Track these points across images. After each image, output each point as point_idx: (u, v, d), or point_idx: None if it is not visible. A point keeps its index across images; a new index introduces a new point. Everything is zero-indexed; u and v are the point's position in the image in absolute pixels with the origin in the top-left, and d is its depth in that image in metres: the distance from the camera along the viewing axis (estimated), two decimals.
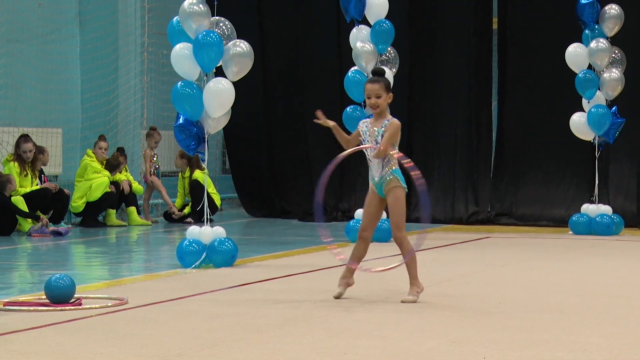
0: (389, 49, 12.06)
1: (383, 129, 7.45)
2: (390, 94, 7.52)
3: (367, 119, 7.61)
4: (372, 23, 11.94)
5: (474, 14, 14.91)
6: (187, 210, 15.00)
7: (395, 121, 7.48)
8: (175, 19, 9.66)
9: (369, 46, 11.86)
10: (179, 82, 9.54)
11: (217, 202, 14.96)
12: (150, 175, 15.11)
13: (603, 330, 6.31)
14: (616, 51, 12.86)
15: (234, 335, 6.09)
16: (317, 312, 6.95)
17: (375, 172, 7.51)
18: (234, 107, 9.67)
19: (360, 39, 11.93)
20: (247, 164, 16.25)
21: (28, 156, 13.31)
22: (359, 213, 12.00)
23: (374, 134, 7.48)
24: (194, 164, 14.90)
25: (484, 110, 14.86)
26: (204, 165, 9.75)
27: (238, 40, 9.66)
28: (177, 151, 15.27)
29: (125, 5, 15.78)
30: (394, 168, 7.46)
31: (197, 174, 14.83)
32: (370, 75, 7.65)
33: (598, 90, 12.78)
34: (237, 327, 6.38)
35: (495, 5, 14.88)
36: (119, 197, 14.41)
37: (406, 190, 7.52)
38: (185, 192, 15.14)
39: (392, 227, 7.50)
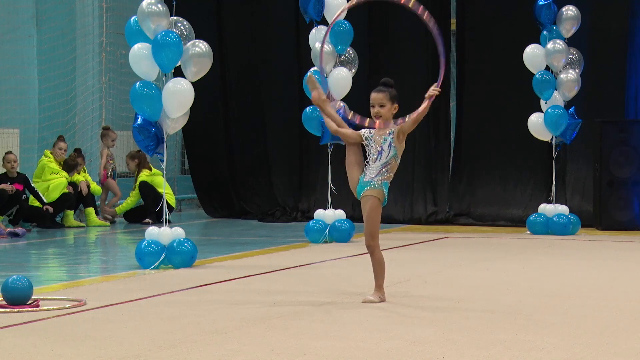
0: (348, 49, 12.09)
1: (391, 136, 7.31)
2: (396, 105, 7.37)
3: (367, 129, 7.43)
4: None
5: (431, 15, 14.93)
6: (119, 209, 14.92)
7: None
8: (132, 18, 9.61)
9: (327, 47, 11.87)
10: (138, 83, 9.49)
11: (172, 202, 14.91)
12: (108, 177, 15.02)
13: (560, 329, 6.36)
14: (573, 52, 12.96)
15: (193, 337, 6.07)
16: (276, 313, 6.94)
17: (368, 174, 7.39)
18: (193, 108, 9.64)
19: (319, 40, 11.94)
20: (207, 165, 16.21)
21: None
22: (318, 213, 12.02)
23: (380, 141, 7.33)
24: (141, 165, 14.83)
25: (442, 110, 14.93)
26: (163, 165, 9.70)
27: (197, 40, 9.64)
28: None
29: (83, 5, 15.67)
30: (386, 181, 7.36)
31: (142, 175, 14.76)
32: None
33: (555, 91, 12.88)
34: (196, 328, 6.36)
35: (454, 6, 14.95)
36: (77, 198, 14.32)
37: (383, 205, 7.41)
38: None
39: (365, 235, 7.41)
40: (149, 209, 14.64)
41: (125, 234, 13.71)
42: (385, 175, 7.36)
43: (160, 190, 13.71)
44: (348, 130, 7.47)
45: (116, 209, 15.05)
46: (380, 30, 15.15)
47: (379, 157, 7.35)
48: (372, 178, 7.36)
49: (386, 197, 7.38)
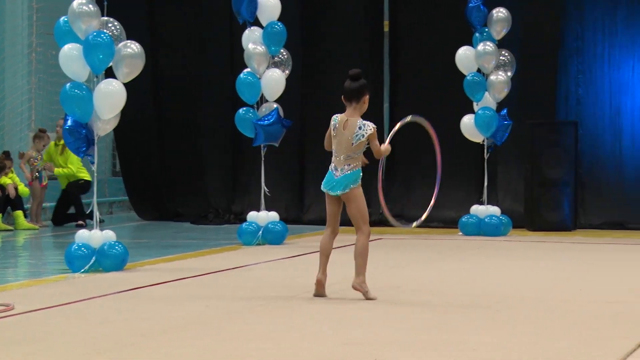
0: (282, 50, 12.07)
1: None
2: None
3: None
4: (264, 25, 11.93)
5: (365, 17, 15.02)
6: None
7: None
8: (62, 19, 9.49)
9: (261, 48, 11.85)
10: (68, 84, 9.38)
11: (87, 177, 14.69)
12: (33, 179, 14.79)
13: (493, 330, 6.42)
14: (505, 54, 13.08)
15: (125, 341, 6.01)
16: (209, 316, 6.91)
17: (337, 167, 7.74)
18: (124, 109, 9.56)
19: (252, 41, 11.92)
20: (138, 166, 16.08)
21: None
22: (251, 215, 11.98)
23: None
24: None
25: (374, 112, 14.95)
26: (93, 167, 9.58)
27: (129, 41, 9.56)
28: None
29: (13, 5, 15.45)
30: (357, 168, 7.72)
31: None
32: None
33: (486, 93, 13.00)
34: (127, 332, 6.30)
35: (387, 8, 15.01)
36: (4, 201, 14.10)
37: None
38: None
39: (358, 221, 7.71)
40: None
41: (55, 237, 13.54)
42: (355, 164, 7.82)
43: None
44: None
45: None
46: (315, 31, 15.15)
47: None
48: (344, 172, 7.79)
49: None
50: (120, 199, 17.25)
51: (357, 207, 7.77)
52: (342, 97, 7.86)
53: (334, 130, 7.83)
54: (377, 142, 7.82)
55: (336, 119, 7.85)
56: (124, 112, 9.66)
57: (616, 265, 10.11)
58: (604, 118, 14.10)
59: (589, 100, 14.15)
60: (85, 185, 14.85)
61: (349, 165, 7.74)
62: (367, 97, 7.86)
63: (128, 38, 9.64)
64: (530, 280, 8.99)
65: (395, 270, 9.68)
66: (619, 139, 14.00)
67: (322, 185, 7.86)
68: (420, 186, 14.67)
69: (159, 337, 6.14)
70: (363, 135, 7.72)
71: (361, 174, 7.83)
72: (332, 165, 7.84)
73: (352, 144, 7.73)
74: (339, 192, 7.76)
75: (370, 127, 7.74)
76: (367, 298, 7.58)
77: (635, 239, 12.69)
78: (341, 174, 7.75)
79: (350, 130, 7.74)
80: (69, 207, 15.02)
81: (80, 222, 14.40)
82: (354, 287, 7.64)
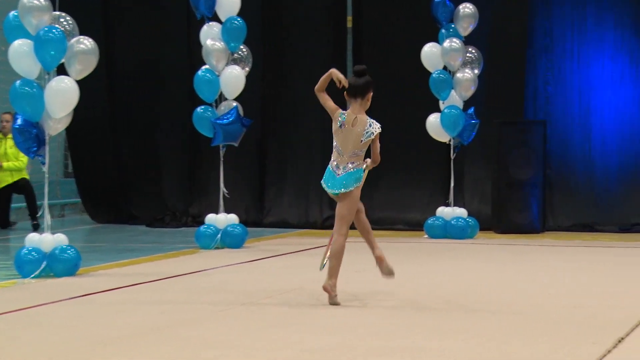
0: (242, 47, 12.10)
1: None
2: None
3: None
4: (223, 20, 11.96)
5: (328, 12, 15.07)
6: None
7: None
8: (11, 13, 9.48)
9: (219, 44, 11.88)
10: (18, 81, 9.37)
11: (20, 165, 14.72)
12: None
13: (459, 335, 6.49)
14: (472, 51, 13.16)
15: (77, 349, 6.04)
16: (165, 322, 6.94)
17: (340, 166, 7.82)
18: (77, 107, 9.55)
19: (210, 37, 11.95)
20: (92, 167, 16.03)
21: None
22: (210, 218, 12.00)
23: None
24: None
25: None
26: (45, 168, 9.57)
27: (82, 36, 9.56)
28: None
29: None
30: (359, 167, 7.84)
31: None
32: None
33: (453, 91, 13.08)
34: (80, 340, 6.32)
35: (350, 3, 15.07)
36: None
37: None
38: None
39: (342, 222, 7.83)
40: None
41: (3, 241, 13.48)
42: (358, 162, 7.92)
43: None
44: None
45: None
46: (276, 27, 15.18)
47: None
48: (347, 170, 7.89)
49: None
50: (73, 201, 17.20)
51: (348, 209, 7.88)
52: (345, 93, 7.92)
53: (340, 126, 7.86)
54: (379, 145, 7.91)
55: (343, 115, 7.87)
56: (77, 111, 9.66)
57: (585, 268, 10.24)
58: (573, 117, 14.24)
59: (557, 99, 14.30)
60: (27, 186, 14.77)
61: (353, 163, 7.85)
62: (371, 95, 7.92)
63: (81, 33, 9.65)
64: (497, 284, 9.09)
65: (359, 275, 9.74)
66: (589, 139, 14.16)
67: (322, 181, 7.96)
68: (386, 186, 14.72)
69: (114, 345, 6.16)
70: (372, 133, 7.84)
71: (362, 173, 7.89)
72: (333, 164, 7.91)
73: (362, 140, 7.83)
74: (340, 191, 7.82)
75: (378, 126, 7.88)
76: (331, 302, 7.66)
77: (604, 241, 12.86)
78: (344, 172, 7.84)
79: (362, 126, 7.83)
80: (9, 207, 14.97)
81: (35, 222, 14.34)
82: (324, 288, 7.72)
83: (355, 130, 7.80)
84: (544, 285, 8.97)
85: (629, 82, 14.07)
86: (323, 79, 7.93)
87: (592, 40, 14.18)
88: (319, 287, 8.72)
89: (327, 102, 7.93)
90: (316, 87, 7.96)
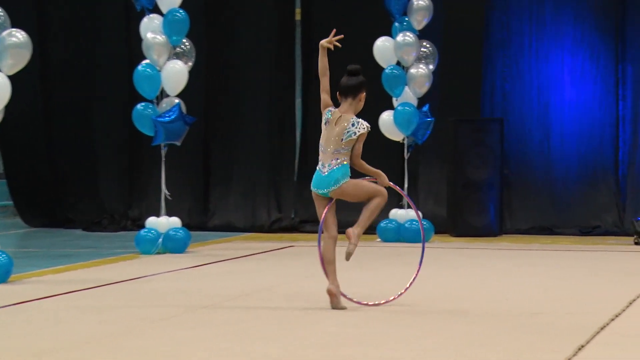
0: (184, 40, 12.05)
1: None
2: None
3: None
4: (164, 12, 11.90)
5: (275, 4, 15.06)
6: None
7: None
8: None
9: (161, 37, 11.81)
10: None
11: None
12: None
13: (412, 343, 6.50)
14: (427, 45, 13.19)
15: None
16: (104, 332, 6.89)
17: (325, 164, 7.90)
18: (8, 104, 9.46)
19: (151, 30, 11.87)
20: (25, 168, 15.89)
21: None
22: (150, 221, 11.94)
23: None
24: None
25: (286, 108, 15.02)
26: None
27: (14, 29, 9.46)
28: None
29: None
30: (345, 162, 7.90)
31: None
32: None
33: (406, 87, 13.11)
34: (11, 351, 6.25)
35: None
36: None
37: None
38: None
39: (371, 196, 8.08)
40: None
41: None
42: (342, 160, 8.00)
43: None
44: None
45: None
46: (220, 19, 15.14)
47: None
48: (331, 168, 7.98)
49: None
50: (4, 204, 17.03)
51: (358, 191, 8.06)
52: (337, 92, 7.97)
53: (326, 123, 7.95)
54: (361, 145, 7.96)
55: (329, 112, 7.95)
56: (9, 108, 9.56)
57: (543, 273, 10.31)
58: (531, 115, 14.33)
59: (515, 96, 14.38)
60: None
61: (337, 159, 7.91)
62: (364, 95, 8.05)
63: (13, 26, 9.55)
64: (452, 290, 9.13)
65: (307, 280, 9.73)
66: (548, 138, 14.25)
67: (311, 185, 8.02)
68: None
69: (48, 356, 6.10)
70: (355, 133, 7.91)
71: (349, 168, 7.94)
72: (319, 165, 7.99)
73: (342, 139, 7.90)
74: (328, 189, 7.85)
75: (364, 126, 7.93)
76: (336, 307, 7.86)
77: (564, 244, 12.96)
78: (329, 170, 7.90)
79: (342, 126, 7.89)
80: None
81: None
82: (329, 292, 7.85)
83: (336, 129, 7.88)
84: (501, 291, 9.01)
85: (589, 79, 14.17)
86: (320, 58, 8.11)
87: (551, 35, 14.27)
88: (266, 293, 8.70)
89: (322, 95, 8.04)
90: (319, 70, 8.16)
